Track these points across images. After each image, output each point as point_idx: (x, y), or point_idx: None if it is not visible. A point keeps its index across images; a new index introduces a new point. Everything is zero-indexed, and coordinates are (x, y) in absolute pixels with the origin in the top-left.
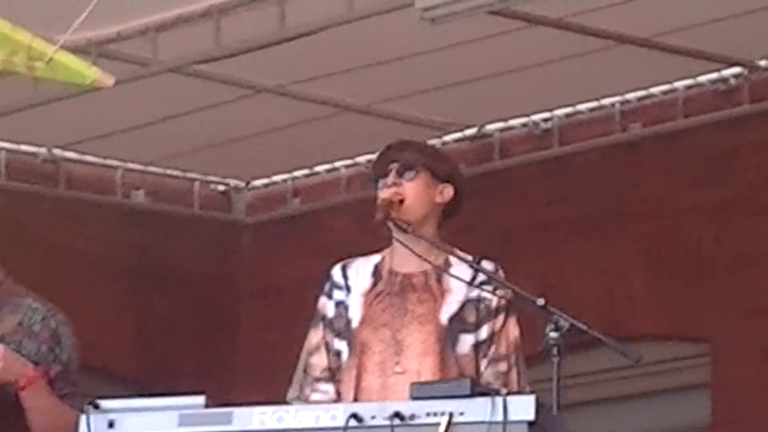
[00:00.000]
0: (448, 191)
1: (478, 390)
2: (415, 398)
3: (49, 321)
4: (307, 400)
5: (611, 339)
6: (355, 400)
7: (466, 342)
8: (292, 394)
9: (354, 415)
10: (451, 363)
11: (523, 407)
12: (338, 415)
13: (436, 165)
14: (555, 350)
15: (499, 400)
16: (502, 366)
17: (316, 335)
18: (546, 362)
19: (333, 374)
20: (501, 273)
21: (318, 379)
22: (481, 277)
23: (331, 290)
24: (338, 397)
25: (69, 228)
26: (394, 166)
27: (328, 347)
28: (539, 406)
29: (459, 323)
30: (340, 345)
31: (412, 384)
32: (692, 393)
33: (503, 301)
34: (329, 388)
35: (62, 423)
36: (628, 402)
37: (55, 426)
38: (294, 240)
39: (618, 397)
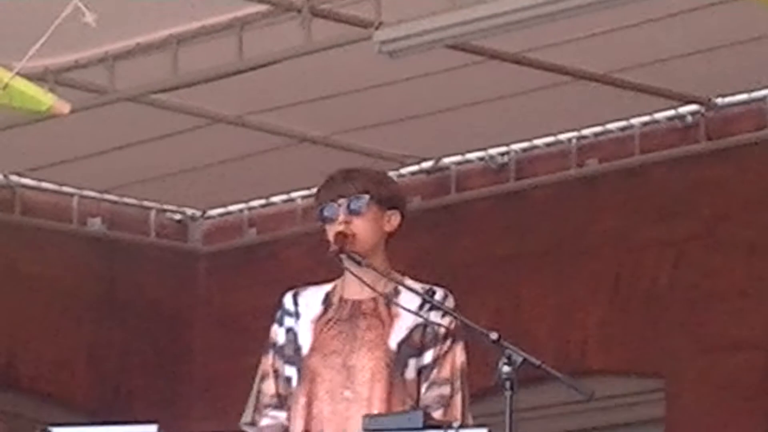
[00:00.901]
0: (395, 218)
1: (431, 423)
2: (367, 430)
3: None
4: (256, 425)
5: (565, 374)
6: (306, 428)
7: (413, 367)
8: (244, 419)
9: None
10: (400, 388)
11: None
12: None
13: (382, 194)
14: (508, 384)
15: None
16: (445, 390)
17: (266, 362)
18: (499, 396)
19: (282, 401)
20: (451, 300)
21: (267, 405)
22: (432, 302)
23: (282, 317)
24: (289, 423)
25: (25, 254)
26: (342, 201)
27: (277, 374)
28: None
29: (407, 348)
30: (290, 371)
31: (365, 416)
32: (646, 428)
33: (452, 326)
34: (279, 414)
35: None
36: None
37: None
38: (250, 269)
39: None
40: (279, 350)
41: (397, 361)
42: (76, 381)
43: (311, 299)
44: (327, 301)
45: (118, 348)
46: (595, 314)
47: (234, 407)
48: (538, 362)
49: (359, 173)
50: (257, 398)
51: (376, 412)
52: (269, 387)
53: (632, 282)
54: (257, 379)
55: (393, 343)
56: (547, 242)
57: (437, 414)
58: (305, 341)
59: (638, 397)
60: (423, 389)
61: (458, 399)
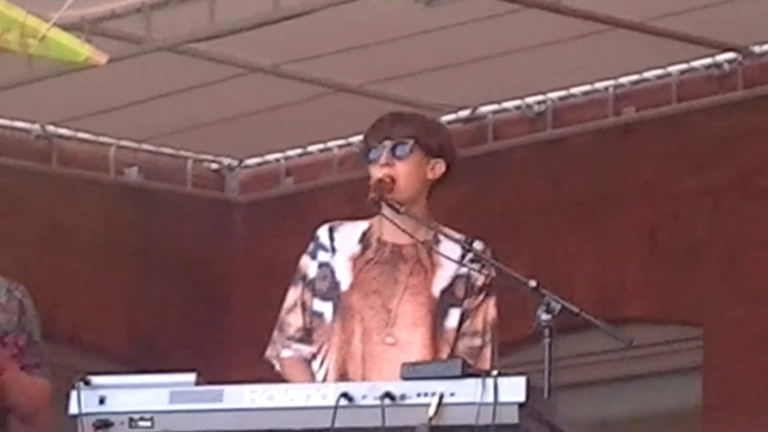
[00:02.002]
0: (440, 167)
1: (469, 371)
2: (405, 378)
3: (14, 293)
4: (278, 357)
5: (603, 321)
6: (343, 365)
7: (454, 316)
8: (269, 352)
9: (344, 395)
10: (441, 336)
11: (514, 389)
12: (329, 394)
13: (428, 140)
14: (546, 332)
15: (489, 381)
16: (476, 341)
17: (294, 294)
18: (537, 344)
19: (307, 335)
20: (489, 252)
21: (291, 338)
22: (471, 254)
23: (315, 251)
24: (313, 358)
25: (61, 205)
26: (387, 143)
27: (305, 307)
28: (530, 388)
29: (449, 297)
30: (323, 306)
31: (404, 364)
32: (684, 376)
33: (488, 280)
34: (302, 347)
35: (35, 394)
36: (619, 384)
37: (30, 399)
38: (286, 219)
39: (609, 380)
40: (310, 283)
41: (439, 309)
42: (114, 331)
43: (348, 236)
44: (364, 239)
45: (156, 298)
46: (633, 263)
47: None
48: (576, 310)
49: (409, 118)
50: (281, 330)
51: (414, 358)
52: (296, 319)
53: (670, 231)
54: (283, 311)
55: (436, 290)
56: (584, 191)
57: None
58: (344, 277)
59: (676, 345)
60: (458, 339)
61: (488, 352)
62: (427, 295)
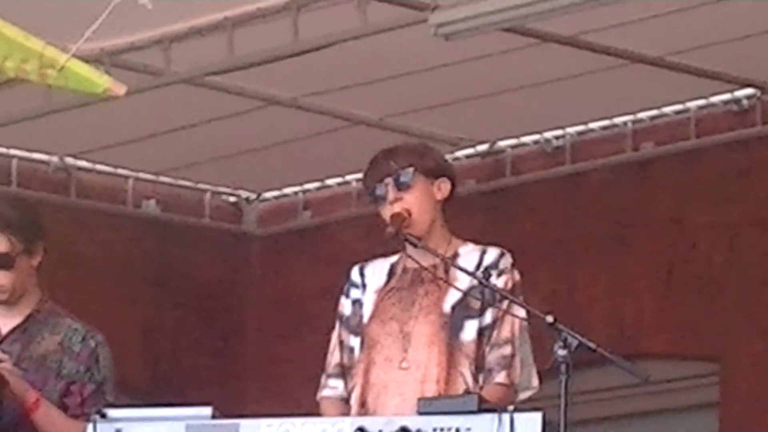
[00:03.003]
0: (445, 186)
1: (486, 406)
2: (421, 413)
3: (89, 341)
4: (319, 398)
5: (619, 357)
6: (363, 394)
7: (471, 328)
8: (318, 393)
9: (360, 429)
10: (457, 350)
11: (530, 424)
12: (345, 428)
13: (425, 163)
14: (563, 368)
15: (506, 416)
16: (506, 350)
17: (334, 335)
18: (554, 379)
19: (344, 371)
20: (507, 258)
21: (330, 375)
22: (487, 261)
23: (348, 289)
24: (347, 393)
25: (80, 236)
26: (389, 180)
27: (343, 345)
28: (546, 423)
29: (463, 310)
30: (354, 341)
31: (419, 399)
32: (701, 412)
33: (509, 285)
34: (338, 383)
35: None
36: (636, 420)
37: None
38: (304, 252)
39: (626, 415)
40: (345, 322)
41: (452, 324)
42: (131, 363)
43: (377, 270)
44: (392, 271)
45: (172, 330)
46: (650, 298)
47: (288, 388)
48: (593, 345)
49: (399, 149)
50: (324, 371)
51: (430, 378)
52: (334, 357)
53: (687, 265)
54: (328, 354)
55: (447, 305)
56: (602, 225)
57: (500, 376)
58: (367, 310)
59: (693, 381)
60: (486, 351)
61: (518, 359)
62: (439, 312)
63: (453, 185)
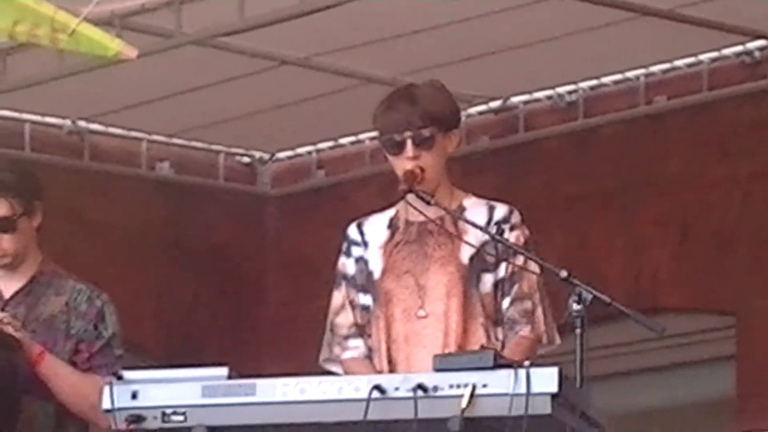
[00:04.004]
0: (455, 137)
1: (501, 362)
2: (438, 370)
3: (95, 301)
4: (338, 359)
5: (635, 311)
6: (388, 349)
7: (487, 281)
8: (322, 356)
9: (377, 387)
10: (476, 302)
11: (546, 379)
12: (361, 386)
13: (446, 116)
14: (578, 322)
15: (522, 372)
16: (527, 304)
17: (339, 295)
18: (569, 334)
19: (361, 329)
20: (516, 215)
21: (347, 337)
22: (497, 216)
23: (349, 248)
24: (369, 351)
25: (93, 200)
26: (408, 134)
27: (353, 304)
28: (562, 379)
29: (480, 263)
30: (365, 299)
31: (435, 356)
32: (717, 365)
33: (521, 240)
34: (359, 342)
35: (88, 391)
36: (652, 375)
37: (82, 395)
38: (319, 212)
39: (642, 370)
40: (351, 281)
41: (470, 275)
42: (145, 326)
43: (376, 226)
44: (392, 225)
45: (187, 292)
46: (665, 252)
47: (304, 349)
48: (608, 299)
49: (420, 99)
50: (332, 332)
51: (451, 328)
52: (346, 318)
53: (701, 219)
54: (330, 315)
55: (465, 257)
56: (615, 181)
57: (525, 330)
58: (376, 266)
59: (709, 334)
60: (505, 304)
61: (540, 312)
62: (456, 263)
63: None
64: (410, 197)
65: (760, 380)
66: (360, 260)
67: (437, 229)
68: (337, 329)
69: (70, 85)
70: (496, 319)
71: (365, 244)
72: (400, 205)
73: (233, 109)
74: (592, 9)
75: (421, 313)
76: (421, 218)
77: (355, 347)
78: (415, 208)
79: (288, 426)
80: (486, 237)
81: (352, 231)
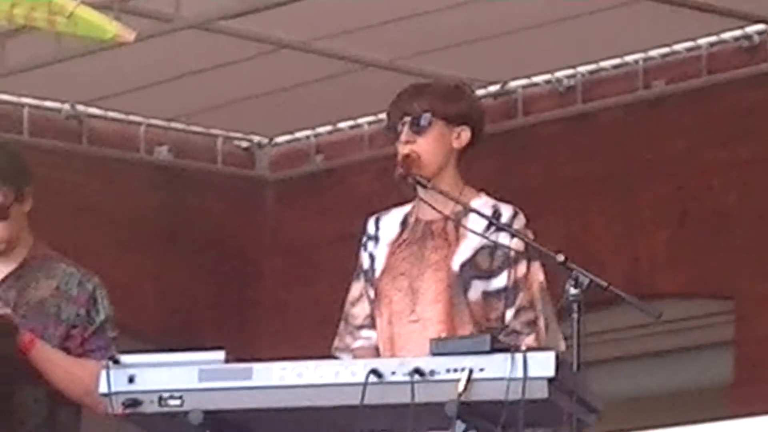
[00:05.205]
0: (465, 134)
1: (498, 346)
2: (434, 354)
3: (86, 285)
4: (348, 348)
5: (632, 296)
6: (384, 351)
7: (478, 288)
8: (334, 345)
9: (374, 371)
10: (462, 309)
11: (543, 364)
12: (358, 371)
13: (448, 110)
14: (575, 307)
15: (519, 356)
16: (530, 315)
17: (357, 287)
18: (566, 319)
19: (374, 322)
20: (520, 218)
21: (360, 327)
22: (500, 219)
23: (366, 242)
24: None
25: (92, 184)
26: (407, 119)
27: (369, 297)
28: (559, 363)
29: (471, 269)
30: (373, 295)
31: (432, 340)
32: (715, 350)
33: (521, 247)
34: (371, 334)
35: (83, 375)
36: (649, 359)
37: (76, 380)
38: (317, 197)
39: (639, 355)
40: (365, 274)
41: (458, 282)
42: (145, 310)
43: (391, 222)
44: (404, 222)
45: (186, 276)
46: (663, 237)
47: (302, 334)
48: (605, 284)
49: (428, 89)
50: (347, 321)
51: (434, 334)
52: (362, 309)
53: (700, 204)
54: (346, 305)
55: (456, 263)
56: (614, 165)
57: (529, 339)
58: (379, 264)
59: (707, 319)
60: (508, 315)
61: (541, 322)
62: (447, 269)
63: (476, 134)
64: (422, 193)
65: (757, 365)
66: (371, 255)
67: (439, 231)
68: (351, 319)
69: (68, 69)
70: (487, 326)
71: (377, 239)
72: (415, 201)
73: (232, 93)
74: None
75: (413, 317)
76: (429, 217)
77: (367, 338)
78: (425, 202)
79: (285, 410)
80: (482, 242)
81: (370, 225)
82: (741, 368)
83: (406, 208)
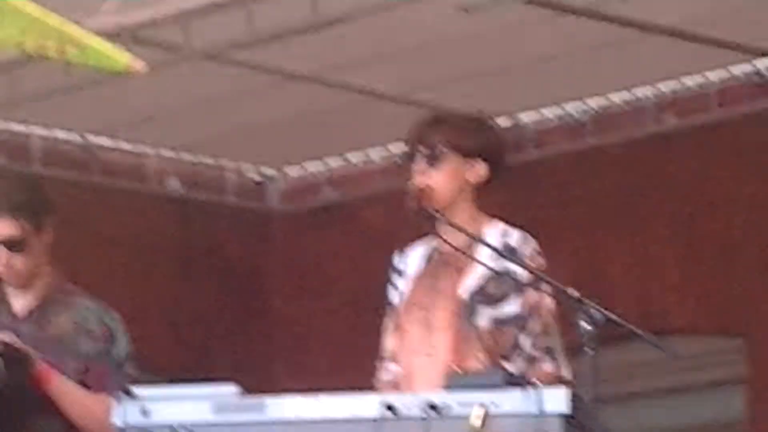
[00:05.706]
0: (481, 168)
1: (512, 381)
2: (449, 389)
3: (105, 321)
4: (379, 383)
5: (646, 332)
6: (403, 383)
7: (485, 315)
8: (374, 379)
9: (388, 406)
10: (469, 337)
11: (558, 400)
12: (372, 406)
13: (464, 142)
14: (590, 343)
15: (533, 392)
16: (547, 340)
17: (388, 320)
18: (580, 355)
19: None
20: (530, 243)
21: (387, 360)
22: (510, 245)
23: (393, 277)
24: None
25: (102, 215)
26: (423, 149)
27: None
28: (574, 399)
29: (479, 296)
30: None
31: (446, 375)
32: (727, 388)
33: (530, 274)
34: (396, 368)
35: (100, 411)
36: (662, 396)
37: (93, 416)
38: (327, 229)
39: (652, 391)
40: (394, 309)
41: (465, 310)
42: (155, 342)
43: (416, 255)
44: (429, 255)
45: (196, 308)
46: (675, 273)
47: (314, 367)
48: (620, 320)
49: (445, 120)
50: (380, 355)
51: (442, 363)
52: (391, 342)
53: (712, 240)
54: (383, 338)
55: (463, 291)
56: (625, 200)
57: (548, 365)
58: (403, 298)
59: (719, 357)
60: (523, 340)
61: (559, 349)
62: (454, 297)
63: (494, 168)
64: (438, 225)
65: None
66: (398, 290)
67: (453, 261)
68: (383, 353)
69: (78, 99)
70: (498, 353)
71: (403, 273)
72: (433, 233)
73: (241, 124)
74: (601, 27)
75: (429, 350)
76: (446, 248)
77: (393, 372)
78: (439, 236)
79: None
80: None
81: (396, 258)
82: (753, 406)
83: (433, 242)
